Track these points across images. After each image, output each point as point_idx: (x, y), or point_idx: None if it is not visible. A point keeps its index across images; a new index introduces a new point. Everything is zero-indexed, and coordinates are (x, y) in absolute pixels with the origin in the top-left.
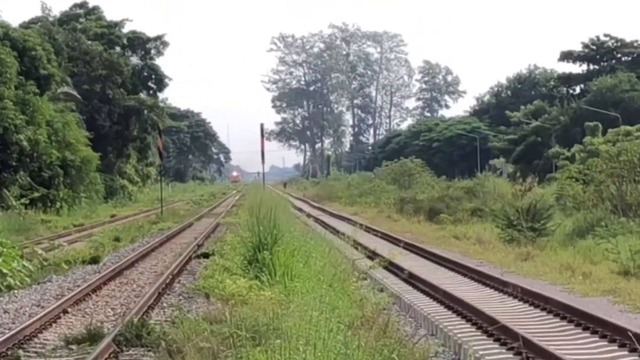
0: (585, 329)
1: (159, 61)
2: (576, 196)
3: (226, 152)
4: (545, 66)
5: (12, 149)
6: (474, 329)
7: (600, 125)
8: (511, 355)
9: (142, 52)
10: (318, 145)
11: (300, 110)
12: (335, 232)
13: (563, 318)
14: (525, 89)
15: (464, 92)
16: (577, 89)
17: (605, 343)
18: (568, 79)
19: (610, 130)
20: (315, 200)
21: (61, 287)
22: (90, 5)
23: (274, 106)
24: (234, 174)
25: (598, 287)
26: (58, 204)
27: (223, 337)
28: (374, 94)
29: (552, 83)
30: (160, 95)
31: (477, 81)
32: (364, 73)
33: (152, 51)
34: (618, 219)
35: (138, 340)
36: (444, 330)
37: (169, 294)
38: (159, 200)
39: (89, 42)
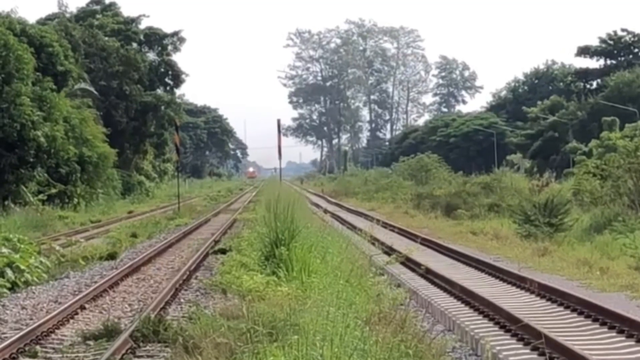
0: (603, 324)
1: (176, 57)
2: (593, 191)
3: (243, 148)
4: (562, 61)
5: (29, 146)
6: (491, 325)
7: (617, 120)
8: (528, 351)
9: (159, 48)
10: (335, 141)
11: (317, 106)
12: (352, 227)
13: (580, 313)
14: (542, 84)
15: (481, 88)
16: (595, 84)
17: (623, 338)
18: (585, 74)
19: (627, 125)
20: (332, 196)
21: (78, 283)
22: (107, 1)
23: (291, 102)
24: (250, 169)
25: (615, 282)
26: (75, 200)
27: (240, 333)
28: (390, 89)
29: (569, 78)
30: (177, 91)
31: (494, 76)
32: (380, 69)
33: (169, 47)
34: (636, 214)
35: (155, 336)
36: (461, 325)
37: (186, 290)
38: (176, 196)
39: (106, 39)
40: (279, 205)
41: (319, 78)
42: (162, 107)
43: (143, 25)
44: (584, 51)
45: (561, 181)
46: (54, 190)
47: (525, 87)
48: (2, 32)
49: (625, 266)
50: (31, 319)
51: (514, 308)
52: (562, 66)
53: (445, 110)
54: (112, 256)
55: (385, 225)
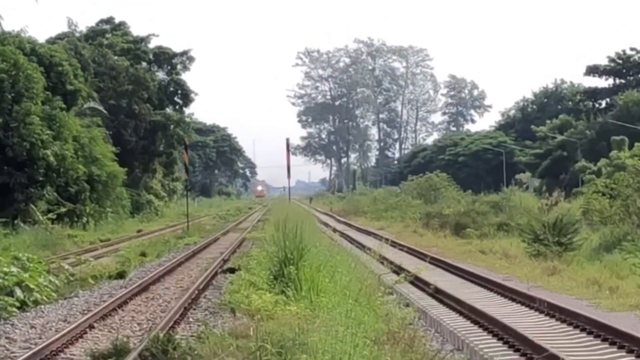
0: (612, 343)
1: (185, 76)
2: (603, 210)
3: (252, 166)
4: (571, 80)
5: (39, 164)
6: (500, 344)
7: (626, 139)
8: None
9: (168, 67)
10: (344, 160)
11: (326, 124)
12: (361, 246)
13: (590, 333)
14: (551, 103)
15: (490, 107)
16: (603, 103)
17: (633, 358)
18: (594, 93)
19: (636, 144)
20: (341, 215)
21: (87, 302)
22: (117, 20)
23: (300, 121)
24: (259, 188)
25: (625, 302)
26: (85, 219)
27: (249, 352)
28: (399, 108)
29: (578, 97)
30: (187, 110)
31: (503, 95)
32: (389, 88)
33: (178, 66)
34: None
35: (164, 355)
36: (470, 345)
37: (195, 309)
38: (185, 215)
39: (116, 58)
40: (288, 224)
41: (328, 97)
42: (171, 126)
43: (152, 44)
44: (592, 70)
45: (570, 200)
46: (63, 209)
47: (534, 106)
48: (12, 51)
49: (634, 286)
50: (40, 338)
51: (524, 327)
52: (571, 85)
53: (454, 129)
54: (121, 275)
55: (394, 244)
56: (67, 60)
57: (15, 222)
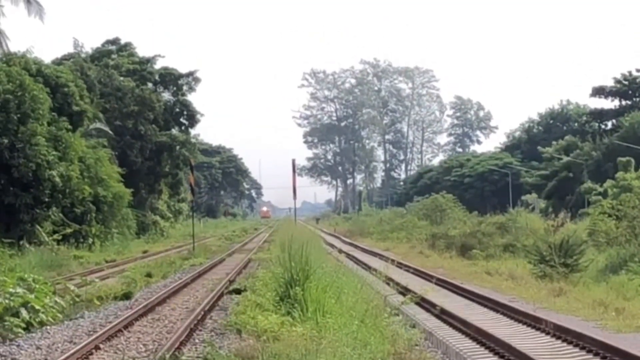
0: None
1: (191, 97)
2: (609, 232)
3: (258, 187)
4: (577, 101)
5: (44, 185)
6: None
7: (632, 160)
8: None
9: (174, 88)
10: (350, 181)
11: (331, 145)
12: (367, 267)
13: (596, 354)
14: (557, 124)
15: (496, 128)
16: (609, 125)
17: None
18: (600, 115)
19: None
20: (346, 236)
21: (93, 323)
22: (123, 41)
23: (306, 142)
24: (264, 209)
25: (631, 323)
26: (90, 240)
27: None
28: (405, 129)
29: (584, 118)
30: (192, 131)
31: (508, 117)
32: (395, 108)
33: (184, 87)
34: None
35: None
36: None
37: (200, 330)
38: (190, 236)
39: (121, 79)
40: (294, 245)
41: (334, 118)
42: (177, 147)
43: (158, 65)
44: (598, 91)
45: (576, 221)
46: (69, 230)
47: (540, 127)
48: (18, 72)
49: None
50: (46, 359)
51: (530, 349)
52: (577, 106)
53: (459, 150)
54: (127, 296)
55: (400, 265)
56: (73, 81)
57: (21, 243)
